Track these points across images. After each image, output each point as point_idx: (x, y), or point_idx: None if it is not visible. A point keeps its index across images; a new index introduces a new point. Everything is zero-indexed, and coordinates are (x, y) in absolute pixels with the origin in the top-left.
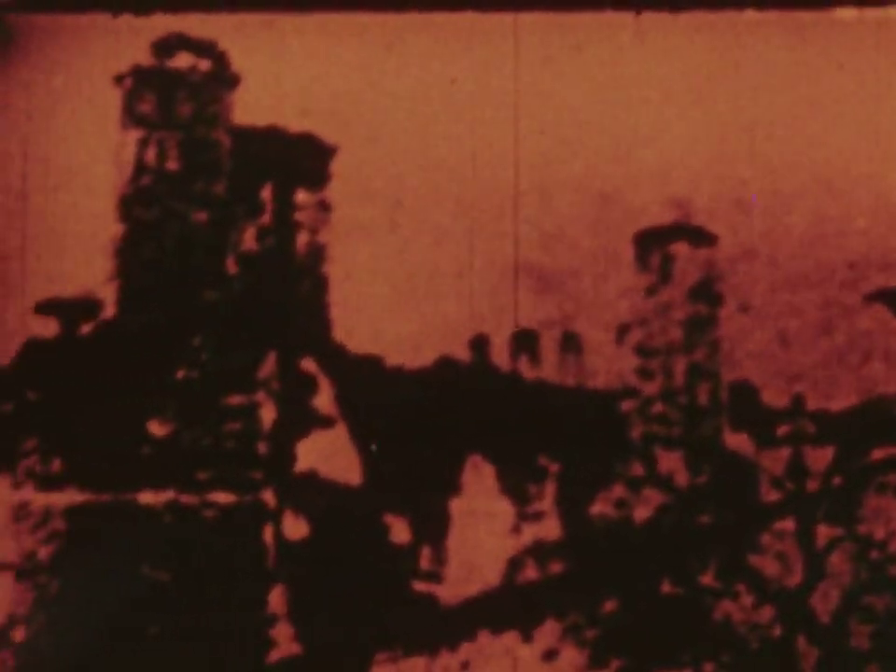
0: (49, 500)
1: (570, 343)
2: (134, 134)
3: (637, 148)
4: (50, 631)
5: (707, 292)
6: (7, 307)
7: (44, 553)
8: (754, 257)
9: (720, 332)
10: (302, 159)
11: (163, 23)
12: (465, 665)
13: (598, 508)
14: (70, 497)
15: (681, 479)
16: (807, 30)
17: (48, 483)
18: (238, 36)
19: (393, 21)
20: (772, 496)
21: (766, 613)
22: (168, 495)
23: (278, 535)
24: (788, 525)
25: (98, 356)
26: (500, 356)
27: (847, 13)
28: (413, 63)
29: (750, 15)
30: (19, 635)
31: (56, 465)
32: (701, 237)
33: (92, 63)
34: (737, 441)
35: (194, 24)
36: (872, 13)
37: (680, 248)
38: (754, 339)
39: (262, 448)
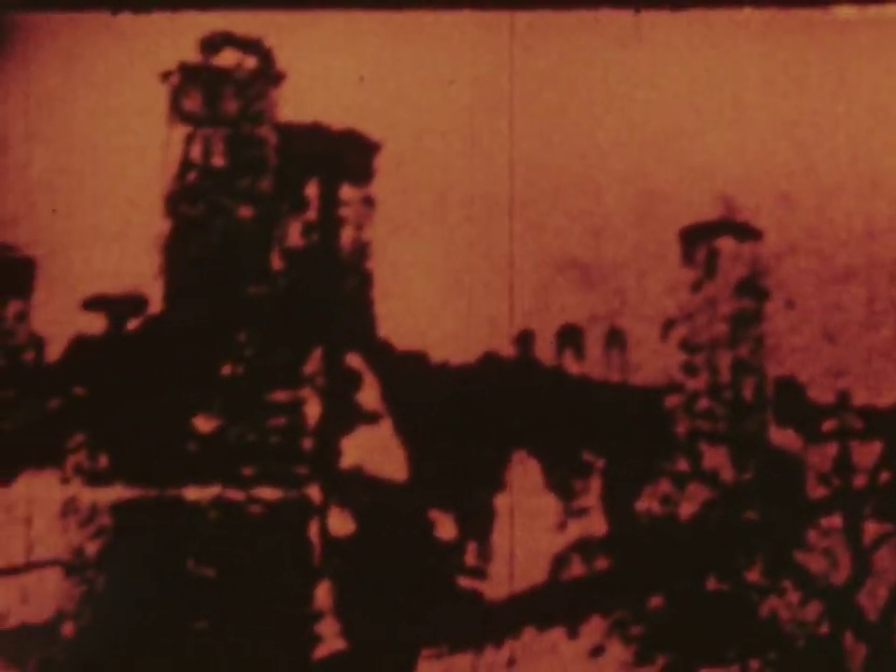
0: (97, 496)
1: (615, 339)
2: (181, 131)
3: (684, 145)
4: (98, 626)
5: (752, 287)
6: (54, 303)
7: (92, 548)
8: (800, 252)
9: (765, 328)
10: (347, 155)
11: (210, 21)
12: (510, 661)
13: (644, 504)
14: (117, 492)
15: (727, 475)
16: (847, 26)
17: (95, 478)
18: (283, 34)
19: (447, 17)
20: (818, 492)
21: (813, 610)
22: (214, 490)
23: (324, 531)
24: (835, 521)
25: (144, 352)
26: (545, 351)
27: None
28: (465, 60)
29: (793, 13)
30: (67, 629)
31: (103, 461)
32: (746, 232)
33: (137, 59)
34: (783, 437)
35: (239, 22)
36: None
37: (726, 243)
38: (800, 334)
39: (308, 444)
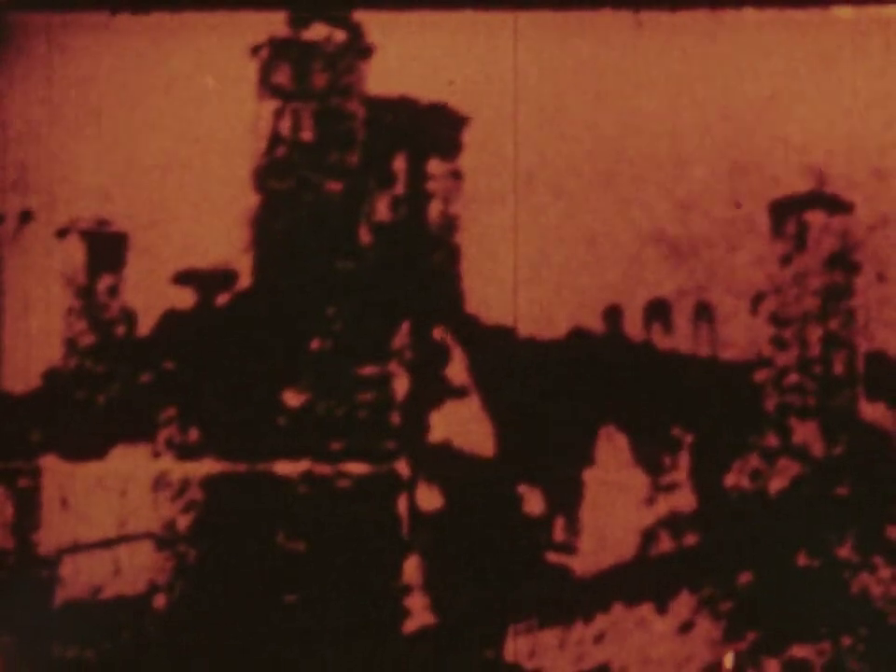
0: (188, 470)
1: (704, 313)
2: (270, 105)
3: (774, 117)
4: (189, 599)
5: (842, 261)
6: (145, 278)
7: (183, 522)
8: (891, 224)
9: (856, 301)
10: (435, 128)
11: None
12: (599, 637)
13: (733, 479)
14: (207, 466)
15: (817, 450)
16: None
17: (186, 452)
18: (371, 9)
19: None
20: None
21: None
22: (303, 465)
23: (412, 505)
24: None
25: (234, 326)
26: (633, 326)
27: None
28: (547, 37)
29: None
30: (159, 602)
31: (194, 435)
32: (837, 205)
33: (226, 36)
34: (874, 412)
35: None
36: None
37: (816, 217)
38: (891, 307)
39: (396, 418)
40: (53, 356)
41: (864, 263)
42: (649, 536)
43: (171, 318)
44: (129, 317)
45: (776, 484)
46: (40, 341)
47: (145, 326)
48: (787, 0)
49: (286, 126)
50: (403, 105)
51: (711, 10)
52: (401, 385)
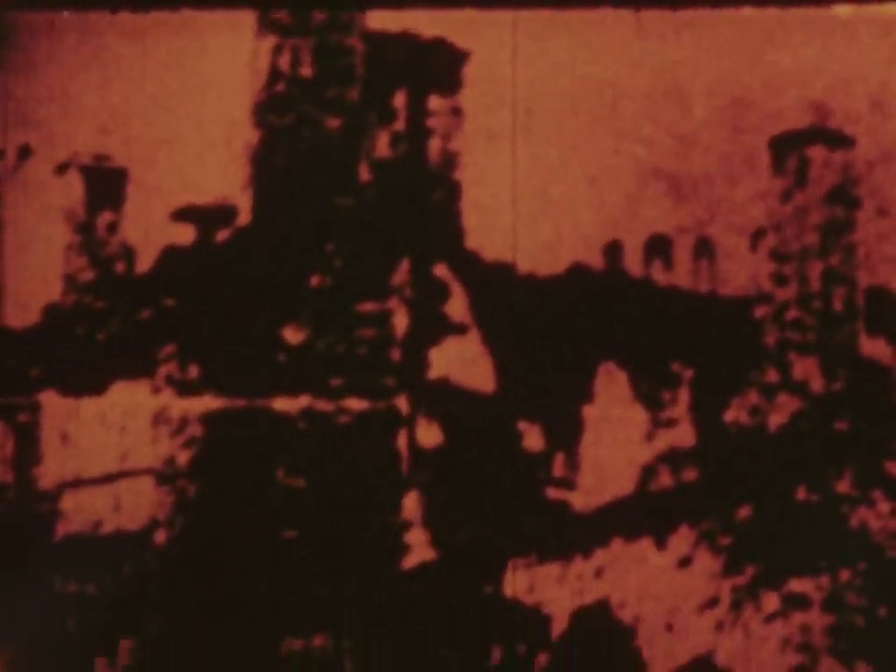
0: (187, 406)
1: (704, 249)
2: (269, 41)
3: (774, 53)
4: (189, 534)
5: (843, 196)
6: (145, 214)
7: (182, 458)
8: (893, 159)
9: (856, 236)
10: (436, 64)
11: None
12: (598, 572)
13: (732, 414)
14: (207, 403)
15: (816, 385)
16: None
17: (185, 389)
18: None
19: None
20: None
21: None
22: (303, 401)
23: (412, 441)
24: None
25: (233, 262)
26: (633, 262)
27: None
28: None
29: None
30: (160, 537)
31: (193, 371)
32: (838, 140)
33: None
34: (874, 347)
35: None
36: None
37: (817, 152)
38: (892, 243)
39: (395, 355)
40: (53, 291)
41: (865, 198)
42: (648, 471)
43: (170, 255)
44: (128, 254)
45: (775, 420)
46: (40, 276)
47: (144, 262)
48: None
49: (285, 62)
50: (403, 41)
51: None
52: (401, 322)
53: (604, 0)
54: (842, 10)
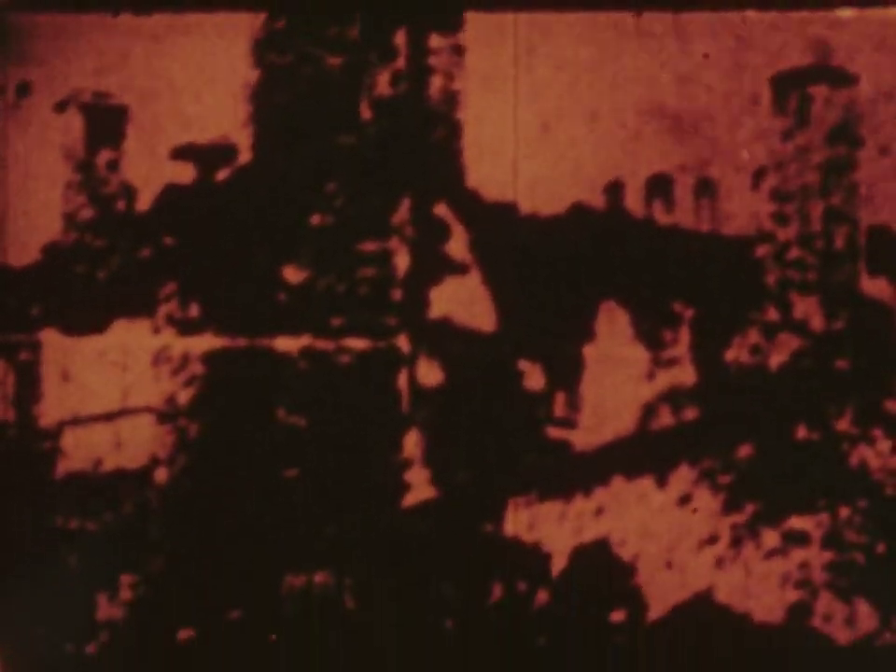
0: (188, 345)
1: (705, 188)
2: None
3: None
4: (190, 473)
5: (845, 134)
6: (145, 152)
7: (183, 396)
8: (895, 98)
9: (858, 175)
10: (436, 2)
11: None
12: (599, 510)
13: (733, 353)
14: (208, 342)
15: (817, 324)
16: None
17: (186, 328)
18: None
19: None
20: None
21: None
22: (303, 340)
23: (412, 380)
24: None
25: (234, 201)
26: (634, 201)
27: None
28: None
29: None
30: (160, 475)
31: (194, 310)
32: (840, 78)
33: None
34: (875, 286)
35: None
36: None
37: (819, 90)
38: (894, 181)
39: (396, 294)
40: (53, 230)
41: (867, 137)
42: (649, 410)
43: (171, 193)
44: (128, 192)
45: (775, 359)
46: (40, 214)
47: (144, 201)
48: None
49: None
50: None
51: None
52: (402, 261)
53: None
54: None
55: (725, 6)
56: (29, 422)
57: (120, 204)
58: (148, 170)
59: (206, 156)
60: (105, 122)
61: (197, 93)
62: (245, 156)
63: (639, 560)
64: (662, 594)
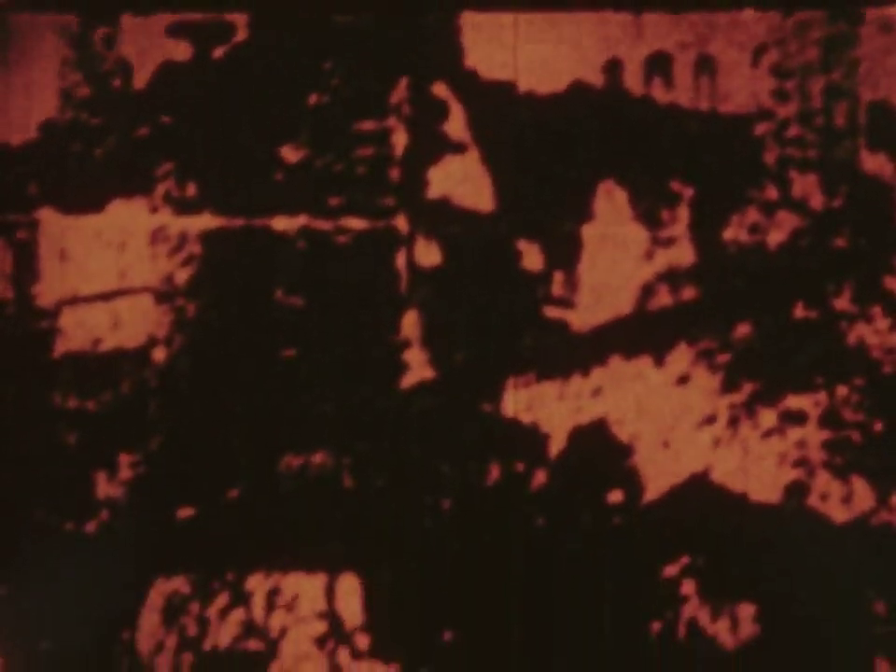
0: (185, 225)
1: (705, 66)
2: None
3: None
4: (188, 352)
5: (847, 9)
6: (142, 29)
7: (181, 276)
8: None
9: (859, 51)
10: None
11: None
12: (597, 390)
13: (732, 232)
14: (205, 221)
15: (816, 202)
16: None
17: (183, 207)
18: None
19: None
20: None
21: None
22: (301, 220)
23: (410, 260)
24: None
25: (231, 79)
26: (634, 79)
27: None
28: None
29: None
30: (159, 355)
31: (191, 189)
32: None
33: None
34: (875, 162)
35: None
36: None
37: None
38: (895, 57)
39: (394, 174)
40: (50, 107)
41: (867, 12)
42: (647, 290)
43: (167, 71)
44: (125, 69)
45: (774, 237)
46: (37, 92)
47: (141, 78)
48: None
49: None
50: None
51: None
52: (400, 141)
53: None
54: None
55: None
56: (27, 301)
57: (117, 82)
58: (145, 47)
59: (203, 33)
60: None
61: None
62: (241, 33)
63: (637, 440)
64: (659, 474)
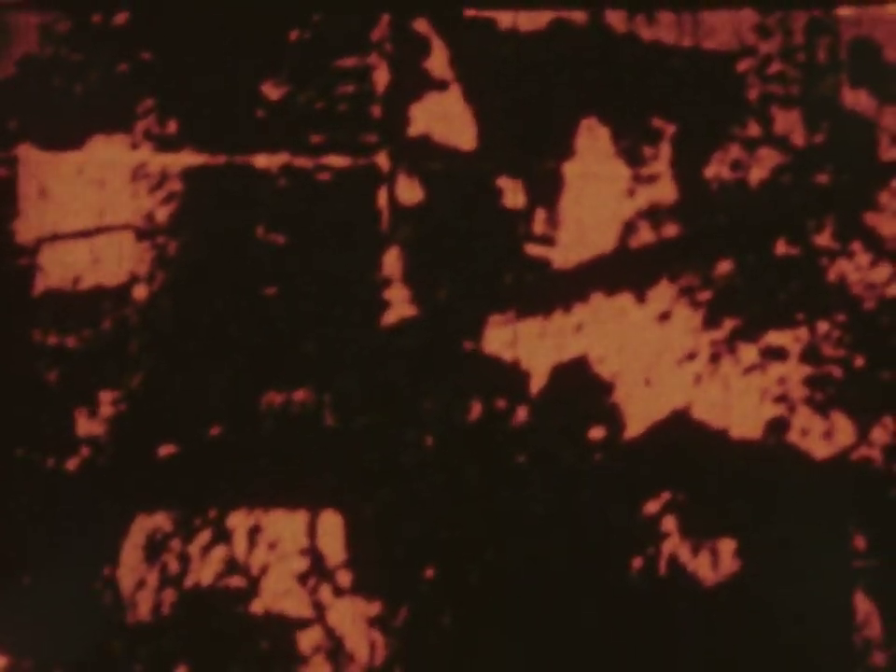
0: (166, 162)
1: (687, 0)
2: None
3: None
4: (169, 290)
5: None
6: None
7: (161, 213)
8: None
9: None
10: None
11: None
12: (579, 326)
13: (713, 169)
14: (186, 158)
15: (798, 139)
16: None
17: (164, 144)
18: None
19: None
20: (891, 154)
21: (883, 272)
22: (282, 157)
23: (392, 198)
24: None
25: (211, 15)
26: (616, 16)
27: None
28: None
29: None
30: (139, 293)
31: (172, 126)
32: None
33: None
34: (857, 99)
35: None
36: None
37: None
38: None
39: (376, 111)
40: (30, 41)
41: None
42: (629, 227)
43: (148, 7)
44: (106, 3)
45: (756, 174)
46: (15, 28)
47: (121, 16)
48: None
49: None
50: None
51: None
52: (381, 78)
53: None
54: None
55: None
56: (7, 238)
57: (97, 17)
58: None
59: None
60: None
61: None
62: None
63: (618, 377)
64: (641, 411)
